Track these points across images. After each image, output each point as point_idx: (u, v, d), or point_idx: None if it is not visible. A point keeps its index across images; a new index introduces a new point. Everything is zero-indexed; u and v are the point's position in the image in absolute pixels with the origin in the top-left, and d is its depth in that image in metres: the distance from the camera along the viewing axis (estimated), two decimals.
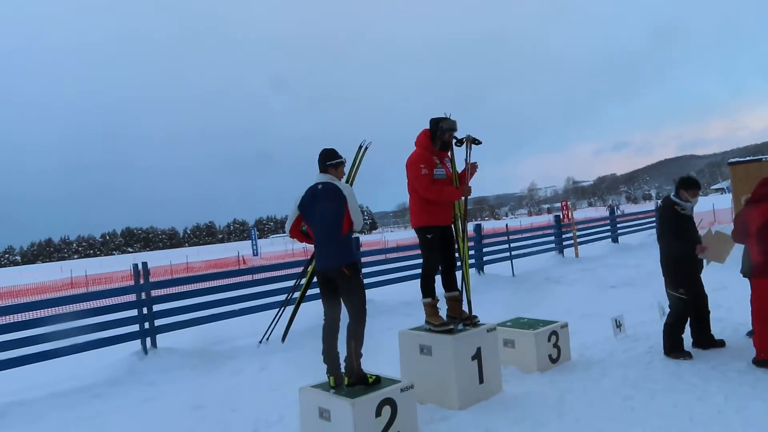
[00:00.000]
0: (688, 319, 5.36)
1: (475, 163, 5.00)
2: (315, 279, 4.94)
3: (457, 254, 5.08)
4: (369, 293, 9.37)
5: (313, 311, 6.20)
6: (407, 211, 5.69)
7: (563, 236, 15.02)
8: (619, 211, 22.99)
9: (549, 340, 5.39)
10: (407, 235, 45.20)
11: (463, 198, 5.02)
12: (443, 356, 4.56)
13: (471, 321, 4.84)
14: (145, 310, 7.16)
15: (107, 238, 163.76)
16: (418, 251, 5.25)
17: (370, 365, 4.41)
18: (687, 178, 5.40)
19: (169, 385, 6.02)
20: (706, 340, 5.41)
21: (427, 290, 4.82)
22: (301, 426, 4.20)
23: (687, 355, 5.18)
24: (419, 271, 4.97)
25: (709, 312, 5.46)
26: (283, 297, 7.83)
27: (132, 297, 7.23)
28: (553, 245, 14.63)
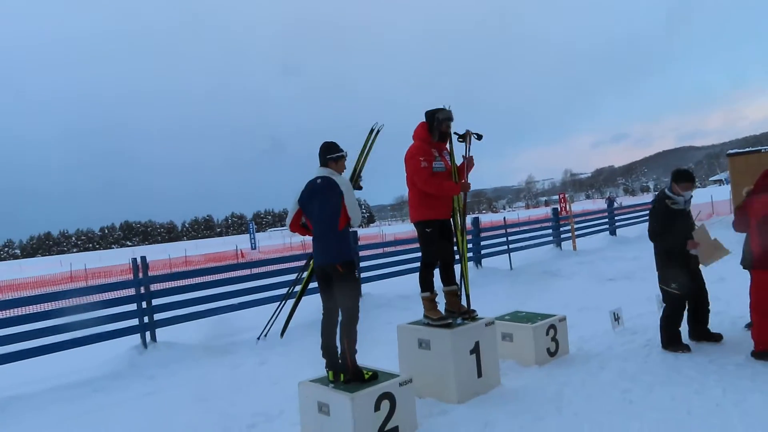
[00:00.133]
0: (684, 312, 5.36)
1: (471, 157, 5.00)
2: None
3: (455, 248, 5.09)
4: (367, 287, 9.50)
5: (312, 306, 6.20)
6: (405, 204, 5.69)
7: (561, 229, 15.04)
8: (617, 203, 22.99)
9: (547, 333, 5.40)
10: (405, 228, 45.20)
11: (462, 193, 5.02)
12: (442, 350, 4.57)
13: (469, 315, 4.85)
14: (144, 305, 7.18)
15: (106, 231, 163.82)
16: (417, 245, 5.25)
17: (368, 359, 4.42)
18: (678, 171, 5.33)
19: (169, 379, 6.05)
20: (701, 333, 5.41)
21: (426, 284, 4.82)
22: (301, 420, 4.21)
23: (685, 349, 5.18)
24: (417, 264, 4.97)
25: (708, 307, 5.41)
26: (282, 291, 7.83)
27: (131, 291, 7.26)
28: (550, 238, 14.64)
